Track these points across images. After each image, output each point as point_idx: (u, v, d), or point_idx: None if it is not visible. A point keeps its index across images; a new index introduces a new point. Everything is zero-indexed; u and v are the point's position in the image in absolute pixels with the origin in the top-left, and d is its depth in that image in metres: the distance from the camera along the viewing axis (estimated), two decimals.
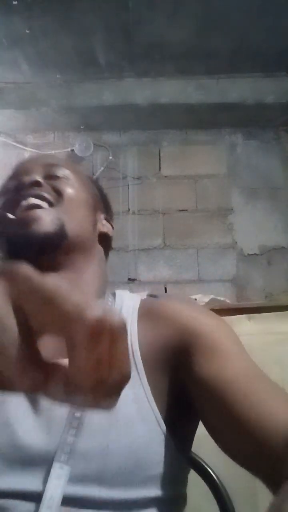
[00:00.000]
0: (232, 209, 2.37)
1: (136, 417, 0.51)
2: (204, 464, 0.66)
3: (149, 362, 0.55)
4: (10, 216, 0.61)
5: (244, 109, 2.27)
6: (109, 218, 0.76)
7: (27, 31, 1.86)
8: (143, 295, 0.69)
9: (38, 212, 0.61)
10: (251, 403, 0.47)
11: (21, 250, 0.60)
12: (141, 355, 0.55)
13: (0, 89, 2.22)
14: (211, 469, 0.66)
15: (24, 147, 2.41)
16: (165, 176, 2.39)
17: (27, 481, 0.46)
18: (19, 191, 0.65)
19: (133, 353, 0.55)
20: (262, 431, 0.44)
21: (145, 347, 0.56)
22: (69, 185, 0.67)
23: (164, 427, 0.52)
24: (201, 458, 0.66)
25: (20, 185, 0.66)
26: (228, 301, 1.86)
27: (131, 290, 0.74)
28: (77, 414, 0.50)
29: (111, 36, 1.89)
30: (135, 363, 0.55)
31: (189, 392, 0.54)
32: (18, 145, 2.41)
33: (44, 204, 0.63)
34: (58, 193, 0.65)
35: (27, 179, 0.66)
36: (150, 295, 0.69)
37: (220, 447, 0.49)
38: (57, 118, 2.34)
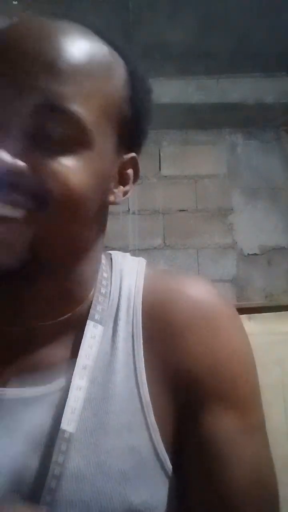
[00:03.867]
0: (232, 209, 2.37)
1: (135, 474, 0.41)
2: None
3: (158, 391, 0.44)
4: None
5: (245, 109, 2.27)
6: (134, 159, 0.48)
7: None
8: (142, 262, 0.53)
9: (3, 230, 0.37)
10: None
11: None
12: (147, 382, 0.44)
13: None
14: None
15: None
16: (165, 176, 2.39)
17: None
18: None
19: (136, 376, 0.44)
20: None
21: (153, 369, 0.45)
22: (72, 149, 0.39)
23: (171, 472, 0.43)
24: None
25: None
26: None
27: None
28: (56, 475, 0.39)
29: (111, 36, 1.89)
30: (139, 393, 0.43)
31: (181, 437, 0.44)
32: None
33: (16, 213, 0.37)
34: (45, 178, 0.37)
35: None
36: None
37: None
38: None
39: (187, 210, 2.36)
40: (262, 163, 2.41)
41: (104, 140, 0.41)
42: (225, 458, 0.42)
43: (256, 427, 0.45)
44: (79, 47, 0.40)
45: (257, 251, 2.32)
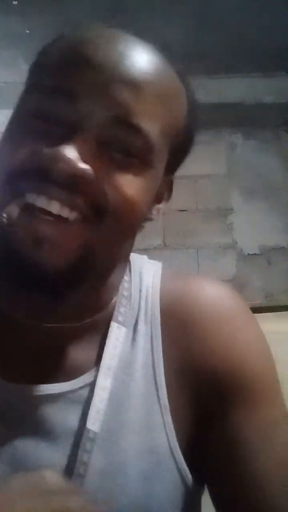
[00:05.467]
0: (232, 209, 2.37)
1: (153, 475, 0.42)
2: None
3: (176, 393, 0.44)
4: (2, 217, 0.38)
5: (244, 109, 2.27)
6: (171, 180, 0.50)
7: (27, 31, 1.86)
8: (159, 266, 0.53)
9: (57, 229, 0.38)
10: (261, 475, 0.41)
11: (13, 281, 0.42)
12: (165, 384, 0.44)
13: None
14: None
15: None
16: None
17: None
18: (44, 168, 0.37)
19: (155, 378, 0.44)
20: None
21: (171, 371, 0.45)
22: (136, 164, 0.40)
23: (189, 476, 0.43)
24: None
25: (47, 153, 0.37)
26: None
27: None
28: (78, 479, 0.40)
29: None
30: (158, 395, 0.44)
31: (204, 436, 0.44)
32: None
33: (72, 215, 0.38)
34: (108, 189, 0.38)
35: (66, 157, 0.36)
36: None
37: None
38: None
39: (186, 210, 2.36)
40: (261, 163, 2.41)
41: (161, 161, 0.43)
42: (256, 451, 0.42)
43: (281, 420, 0.45)
44: (157, 69, 0.42)
45: (256, 251, 2.32)
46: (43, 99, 0.40)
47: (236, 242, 2.34)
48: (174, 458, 0.43)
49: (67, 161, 0.36)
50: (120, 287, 0.49)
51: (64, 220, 0.38)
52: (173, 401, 0.44)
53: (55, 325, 0.45)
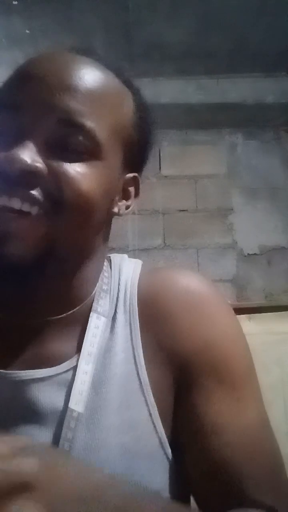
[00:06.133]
0: (232, 209, 2.37)
1: (134, 448, 0.45)
2: None
3: (155, 372, 0.48)
4: None
5: (244, 109, 2.27)
6: (136, 178, 0.54)
7: (27, 31, 1.86)
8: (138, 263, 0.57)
9: (20, 223, 0.42)
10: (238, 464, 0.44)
11: None
12: (145, 364, 0.48)
13: (0, 89, 2.22)
14: None
15: None
16: (165, 176, 2.39)
17: None
18: (1, 172, 0.41)
19: (135, 359, 0.48)
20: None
21: (150, 352, 0.49)
22: (86, 159, 0.44)
23: (169, 451, 0.47)
24: None
25: (7, 152, 0.41)
26: (228, 301, 1.86)
27: None
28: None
29: (111, 37, 1.89)
30: (138, 374, 0.48)
31: (178, 411, 0.48)
32: None
33: (34, 210, 0.42)
34: (61, 181, 0.42)
35: (19, 157, 0.40)
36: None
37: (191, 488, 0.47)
38: None
39: (187, 210, 2.36)
40: (262, 163, 2.41)
41: (112, 156, 0.48)
42: (219, 426, 0.45)
43: (250, 398, 0.48)
44: (94, 76, 0.47)
45: (257, 251, 2.32)
46: None
47: (236, 242, 2.34)
48: (157, 433, 0.46)
49: (20, 160, 0.41)
50: (99, 282, 0.53)
51: (26, 214, 0.42)
52: (153, 380, 0.48)
53: (36, 320, 0.49)
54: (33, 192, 0.42)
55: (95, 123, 0.45)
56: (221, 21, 1.84)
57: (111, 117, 0.47)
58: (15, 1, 1.70)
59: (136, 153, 0.53)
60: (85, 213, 0.45)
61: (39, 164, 0.42)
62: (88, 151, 0.45)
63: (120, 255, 0.59)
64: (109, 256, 0.58)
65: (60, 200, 0.43)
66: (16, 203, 0.42)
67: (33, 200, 0.42)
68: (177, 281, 0.53)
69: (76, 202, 0.43)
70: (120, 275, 0.55)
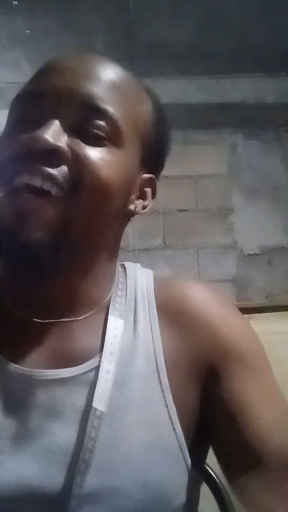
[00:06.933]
0: (232, 209, 2.37)
1: (154, 446, 0.46)
2: (205, 464, 0.66)
3: (176, 375, 0.50)
4: None
5: (245, 109, 2.27)
6: (152, 180, 0.57)
7: (28, 31, 1.86)
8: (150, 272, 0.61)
9: (39, 203, 0.43)
10: (260, 432, 0.47)
11: (7, 253, 0.46)
12: (166, 367, 0.50)
13: (1, 89, 2.22)
14: (211, 469, 0.66)
15: None
16: (165, 176, 2.39)
17: None
18: (25, 151, 0.43)
19: (156, 362, 0.50)
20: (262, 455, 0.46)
21: (171, 356, 0.51)
22: (106, 144, 0.46)
23: (187, 455, 0.48)
24: None
25: (30, 138, 0.43)
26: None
27: None
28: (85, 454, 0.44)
29: (112, 36, 1.89)
30: (159, 376, 0.50)
31: (206, 407, 0.50)
32: None
33: (53, 189, 0.43)
34: (81, 163, 0.44)
35: (42, 136, 0.42)
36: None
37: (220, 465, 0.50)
38: None
39: (187, 210, 2.36)
40: (262, 163, 2.41)
41: (131, 148, 0.49)
42: (251, 409, 0.47)
43: (275, 391, 0.51)
44: (117, 70, 0.51)
45: (257, 251, 2.32)
46: (21, 107, 0.48)
47: (237, 242, 2.34)
48: (176, 435, 0.48)
49: (44, 139, 0.42)
50: (114, 287, 0.56)
51: (46, 193, 0.43)
52: (173, 382, 0.49)
53: (59, 320, 0.51)
54: (54, 171, 0.43)
55: (117, 110, 0.47)
56: (222, 21, 1.84)
57: (132, 110, 0.49)
58: (16, 1, 1.70)
59: (153, 153, 0.55)
60: (101, 199, 0.46)
61: (62, 144, 0.44)
62: (109, 137, 0.46)
63: (133, 264, 0.62)
64: (123, 264, 0.61)
65: (79, 183, 0.44)
66: (37, 181, 0.43)
67: (53, 180, 0.43)
68: (193, 287, 0.57)
69: (94, 186, 0.45)
70: (136, 282, 0.58)
